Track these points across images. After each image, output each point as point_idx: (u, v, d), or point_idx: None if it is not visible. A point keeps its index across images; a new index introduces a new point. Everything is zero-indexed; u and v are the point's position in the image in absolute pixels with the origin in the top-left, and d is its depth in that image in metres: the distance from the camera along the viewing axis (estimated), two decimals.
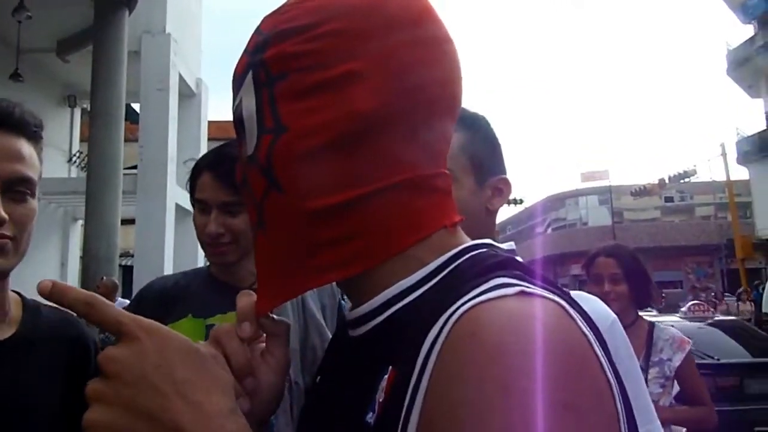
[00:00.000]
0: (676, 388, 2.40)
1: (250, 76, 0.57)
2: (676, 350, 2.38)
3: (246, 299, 0.58)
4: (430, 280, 0.54)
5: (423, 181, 0.56)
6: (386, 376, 0.50)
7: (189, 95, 12.13)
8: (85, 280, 8.01)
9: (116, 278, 7.63)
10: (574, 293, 1.20)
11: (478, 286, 0.47)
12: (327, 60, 0.53)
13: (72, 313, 1.29)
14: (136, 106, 11.94)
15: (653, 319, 2.60)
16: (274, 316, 0.60)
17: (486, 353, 0.41)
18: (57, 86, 12.20)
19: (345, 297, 1.51)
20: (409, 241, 0.55)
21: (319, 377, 0.67)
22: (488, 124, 1.17)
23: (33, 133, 1.02)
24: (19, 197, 0.99)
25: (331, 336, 1.42)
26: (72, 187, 10.13)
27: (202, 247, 1.52)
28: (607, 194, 35.91)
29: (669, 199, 38.68)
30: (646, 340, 2.40)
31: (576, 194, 39.44)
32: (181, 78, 11.17)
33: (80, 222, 11.74)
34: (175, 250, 10.13)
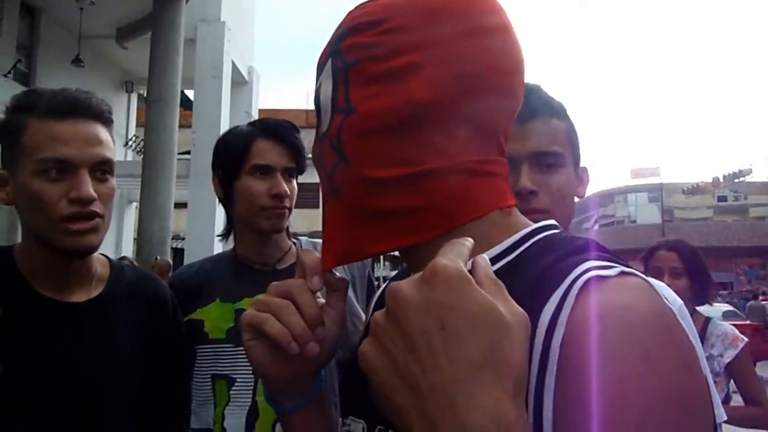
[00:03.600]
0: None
1: (329, 63, 0.63)
2: (728, 347, 2.36)
3: (312, 256, 0.63)
4: (506, 256, 0.58)
5: (477, 166, 0.59)
6: None
7: (241, 83, 12.32)
8: (139, 261, 8.28)
9: (168, 259, 7.86)
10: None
11: (577, 264, 0.50)
12: (391, 52, 0.58)
13: (150, 272, 1.28)
14: (189, 93, 12.19)
15: None
16: (337, 273, 0.65)
17: (624, 331, 0.45)
18: (115, 72, 12.56)
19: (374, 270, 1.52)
20: (464, 219, 0.59)
21: None
22: None
23: (107, 119, 1.12)
24: (102, 177, 1.09)
25: (359, 307, 1.45)
26: (127, 171, 10.42)
27: (256, 215, 1.50)
28: (657, 192, 34.97)
29: (722, 199, 37.40)
30: (699, 335, 2.37)
31: (625, 191, 38.50)
32: (234, 66, 11.35)
33: (135, 204, 12.09)
34: None
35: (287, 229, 1.61)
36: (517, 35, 0.63)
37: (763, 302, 15.78)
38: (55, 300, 1.09)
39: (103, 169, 1.08)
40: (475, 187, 0.60)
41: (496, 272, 0.52)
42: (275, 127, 1.52)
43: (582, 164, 1.20)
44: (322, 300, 0.64)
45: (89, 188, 1.04)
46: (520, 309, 0.45)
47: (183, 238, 11.44)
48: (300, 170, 1.56)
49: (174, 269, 6.69)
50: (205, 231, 9.98)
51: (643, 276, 0.51)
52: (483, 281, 0.46)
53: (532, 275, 0.53)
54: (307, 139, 1.48)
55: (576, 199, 1.20)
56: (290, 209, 1.54)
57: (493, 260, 0.57)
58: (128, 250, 12.46)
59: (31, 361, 1.05)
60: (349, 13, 0.64)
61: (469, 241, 0.49)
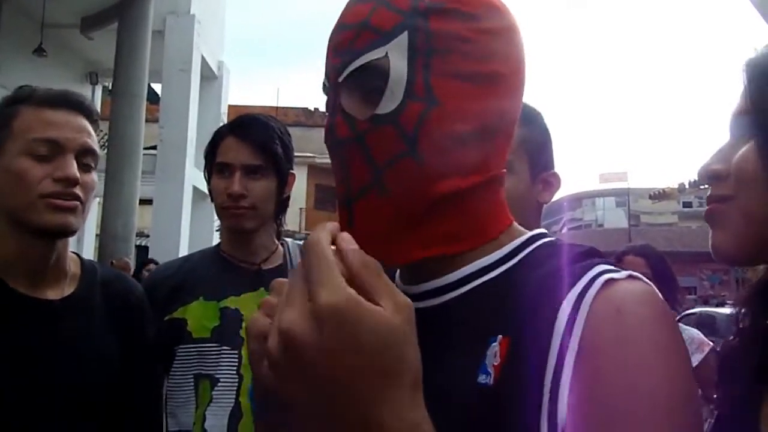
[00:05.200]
0: None
1: (405, 36, 0.57)
2: (694, 351, 2.38)
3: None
4: (509, 260, 0.60)
5: (502, 178, 0.63)
6: (495, 343, 0.54)
7: (210, 77, 12.13)
8: (101, 257, 8.04)
9: (131, 257, 7.64)
10: None
11: (591, 267, 0.54)
12: (487, 54, 0.58)
13: (122, 271, 1.26)
14: (156, 87, 11.95)
15: None
16: None
17: (639, 323, 0.50)
18: (79, 63, 12.22)
19: None
20: (499, 230, 0.62)
21: None
22: (543, 120, 1.22)
23: (95, 120, 1.18)
24: (86, 167, 1.12)
25: None
26: None
27: (220, 214, 1.50)
28: (624, 196, 35.58)
29: (687, 204, 38.19)
30: None
31: (593, 195, 39.18)
32: (203, 60, 11.16)
33: (98, 200, 11.80)
34: (190, 232, 10.14)
35: (278, 229, 1.59)
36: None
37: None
38: (29, 296, 1.09)
39: (87, 159, 1.12)
40: (502, 199, 0.63)
41: (498, 276, 0.59)
42: (240, 124, 1.51)
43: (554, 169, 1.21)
44: None
45: (75, 170, 1.07)
46: (403, 297, 0.45)
47: (147, 236, 11.20)
48: (277, 168, 1.49)
49: (137, 267, 6.53)
50: (170, 228, 9.79)
51: (647, 280, 0.55)
52: (358, 271, 0.44)
53: (542, 276, 0.55)
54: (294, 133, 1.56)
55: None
56: (253, 208, 1.47)
57: (495, 264, 0.60)
58: (90, 246, 12.15)
59: (6, 358, 1.04)
60: None
61: (330, 252, 0.46)
